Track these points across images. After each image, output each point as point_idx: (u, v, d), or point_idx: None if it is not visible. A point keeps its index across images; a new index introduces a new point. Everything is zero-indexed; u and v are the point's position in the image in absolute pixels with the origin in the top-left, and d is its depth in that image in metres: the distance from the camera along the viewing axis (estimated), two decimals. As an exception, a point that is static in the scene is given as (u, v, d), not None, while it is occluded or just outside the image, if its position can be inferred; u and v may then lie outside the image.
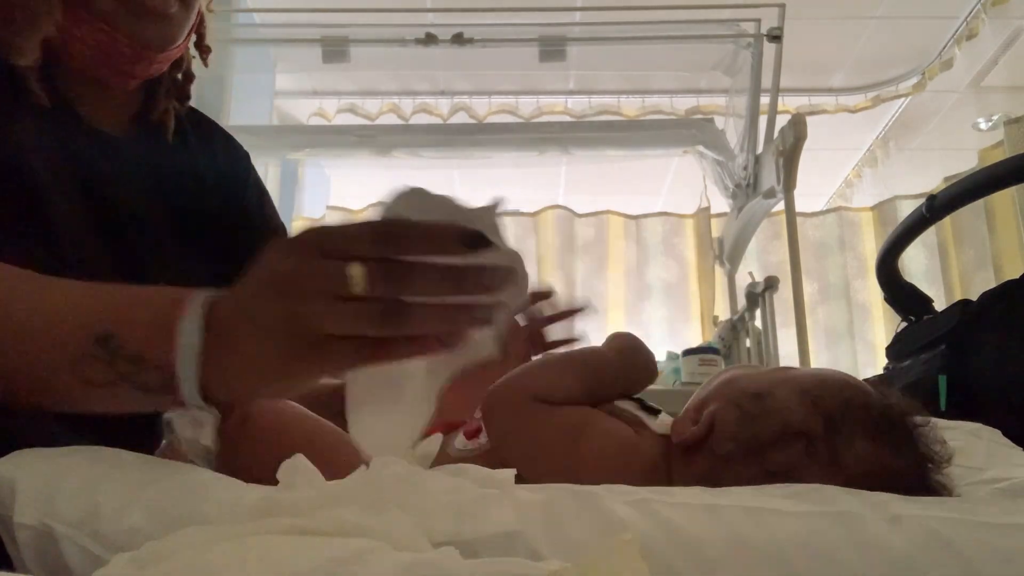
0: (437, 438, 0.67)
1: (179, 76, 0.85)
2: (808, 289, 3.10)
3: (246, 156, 0.94)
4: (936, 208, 1.49)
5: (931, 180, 3.21)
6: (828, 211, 3.60)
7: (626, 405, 0.66)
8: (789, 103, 3.24)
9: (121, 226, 0.76)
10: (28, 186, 0.69)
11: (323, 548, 0.36)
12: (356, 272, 0.45)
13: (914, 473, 0.57)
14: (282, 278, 0.48)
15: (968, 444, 0.70)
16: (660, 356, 2.68)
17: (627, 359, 0.69)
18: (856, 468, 0.56)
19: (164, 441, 0.89)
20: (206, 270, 0.80)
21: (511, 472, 0.50)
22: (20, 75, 0.72)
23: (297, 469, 0.44)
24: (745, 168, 2.63)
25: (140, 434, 0.61)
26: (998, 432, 0.75)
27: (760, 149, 2.58)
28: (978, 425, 0.76)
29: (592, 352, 0.71)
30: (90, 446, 0.52)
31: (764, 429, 0.58)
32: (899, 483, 0.52)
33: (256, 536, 0.37)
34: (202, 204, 0.84)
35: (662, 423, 0.64)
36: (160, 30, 0.76)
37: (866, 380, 0.64)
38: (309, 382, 0.51)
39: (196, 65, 0.87)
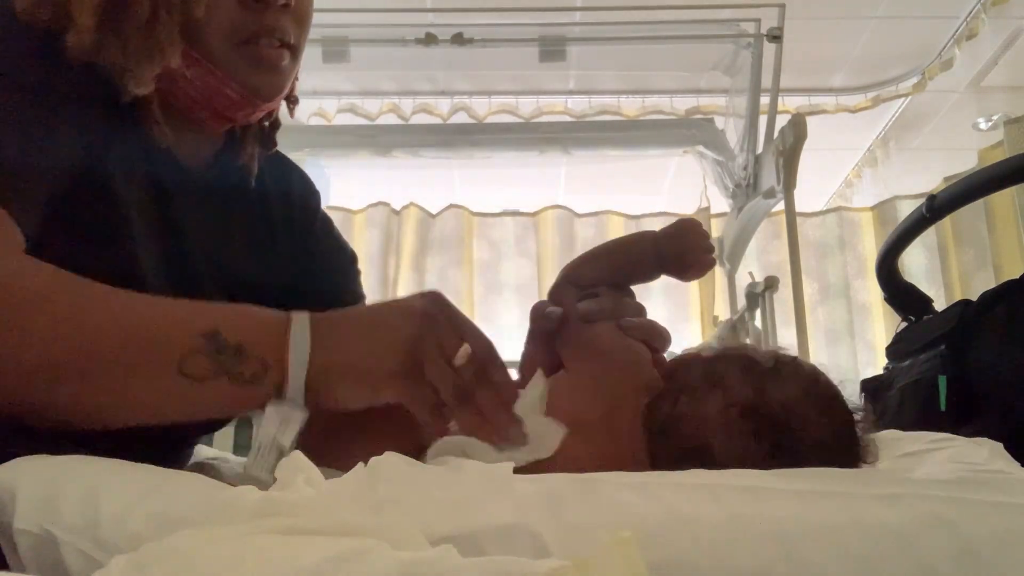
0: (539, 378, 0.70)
1: (267, 123, 0.86)
2: (808, 289, 3.10)
3: (318, 194, 0.96)
4: (936, 208, 1.49)
5: (931, 180, 3.21)
6: (828, 211, 3.59)
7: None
8: (789, 103, 3.23)
9: (191, 270, 0.76)
10: (113, 216, 0.69)
11: (322, 548, 0.36)
12: (465, 351, 0.62)
13: (778, 414, 0.59)
14: (422, 310, 0.63)
15: (969, 449, 0.71)
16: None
17: (662, 243, 0.76)
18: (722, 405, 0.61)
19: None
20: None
21: (509, 465, 0.50)
22: (140, 108, 0.72)
23: (296, 468, 0.44)
24: (745, 168, 2.63)
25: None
26: (1000, 445, 0.76)
27: (760, 149, 2.58)
28: (982, 439, 0.77)
29: (633, 236, 0.81)
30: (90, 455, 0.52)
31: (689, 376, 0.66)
32: (767, 422, 0.58)
33: (255, 536, 0.37)
34: (271, 251, 0.86)
35: None
36: (271, 80, 0.76)
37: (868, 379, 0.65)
38: (383, 399, 0.63)
39: None
